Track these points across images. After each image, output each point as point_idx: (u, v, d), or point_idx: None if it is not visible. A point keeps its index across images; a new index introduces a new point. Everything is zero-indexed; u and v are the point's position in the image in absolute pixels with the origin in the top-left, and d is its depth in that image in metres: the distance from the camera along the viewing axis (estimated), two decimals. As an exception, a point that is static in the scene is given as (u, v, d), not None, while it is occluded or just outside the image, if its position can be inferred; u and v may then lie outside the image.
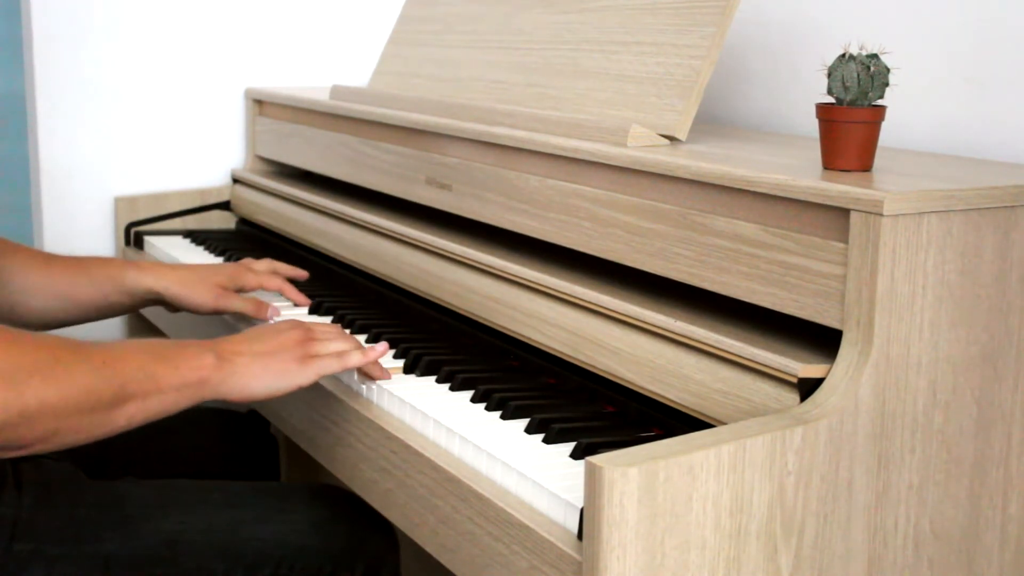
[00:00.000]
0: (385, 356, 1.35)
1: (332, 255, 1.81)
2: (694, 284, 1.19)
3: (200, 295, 1.55)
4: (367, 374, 1.32)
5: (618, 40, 1.48)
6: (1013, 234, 1.08)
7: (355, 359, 1.28)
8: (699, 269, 1.17)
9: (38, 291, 1.49)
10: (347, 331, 1.34)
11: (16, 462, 1.31)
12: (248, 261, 1.65)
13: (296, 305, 1.65)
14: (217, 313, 1.58)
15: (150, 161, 2.17)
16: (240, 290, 1.60)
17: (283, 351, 1.25)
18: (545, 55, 1.59)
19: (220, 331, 1.66)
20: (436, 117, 1.60)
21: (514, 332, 1.38)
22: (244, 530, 1.33)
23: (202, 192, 2.21)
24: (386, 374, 1.32)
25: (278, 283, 1.63)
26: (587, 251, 1.33)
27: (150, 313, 1.99)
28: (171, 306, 1.58)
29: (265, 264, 1.65)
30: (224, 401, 1.23)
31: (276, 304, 1.60)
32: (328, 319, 1.59)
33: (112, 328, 2.13)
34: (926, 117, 1.46)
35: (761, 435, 0.96)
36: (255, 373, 1.22)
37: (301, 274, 1.68)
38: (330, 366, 1.27)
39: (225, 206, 2.20)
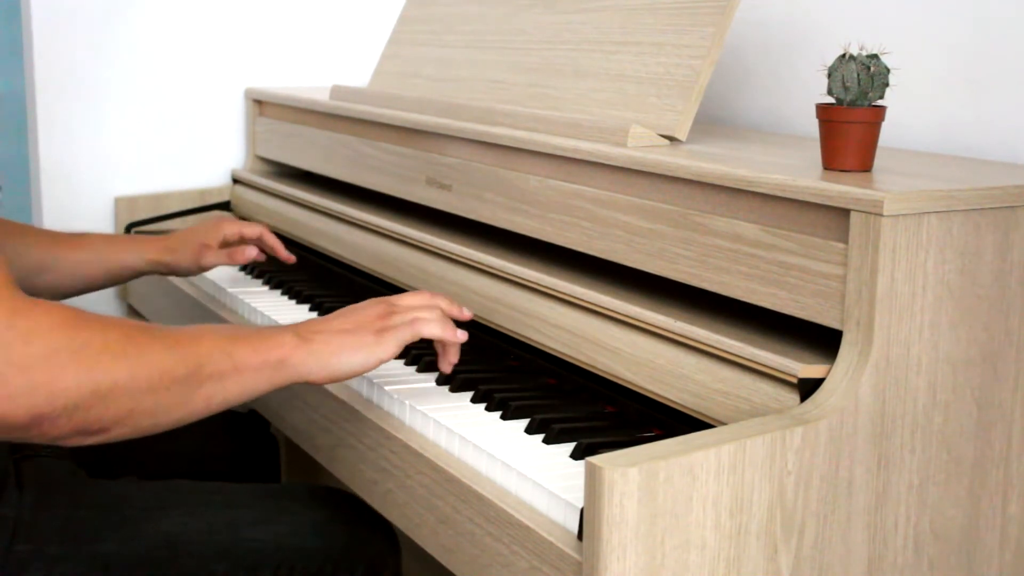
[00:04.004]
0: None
1: (332, 255, 1.81)
2: (694, 284, 1.19)
3: (184, 257, 1.65)
4: (440, 366, 1.30)
5: (618, 40, 1.48)
6: (1013, 234, 1.08)
7: (431, 329, 1.25)
8: (699, 269, 1.17)
9: (48, 269, 1.54)
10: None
11: (17, 462, 1.31)
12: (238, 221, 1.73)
13: (284, 260, 1.75)
14: (203, 271, 1.67)
15: (150, 161, 2.17)
16: (224, 243, 1.69)
17: (362, 327, 1.22)
18: (545, 55, 1.59)
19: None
20: (436, 117, 1.60)
21: (514, 332, 1.38)
22: (244, 531, 1.33)
23: (202, 192, 2.21)
24: (454, 356, 1.29)
25: (258, 230, 1.71)
26: (587, 251, 1.33)
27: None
28: (167, 272, 1.68)
29: (249, 223, 1.73)
30: (307, 383, 1.19)
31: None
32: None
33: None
34: (926, 117, 1.46)
35: (761, 435, 0.96)
36: (334, 351, 1.18)
37: (286, 255, 1.74)
38: (403, 334, 1.23)
39: (225, 206, 2.20)
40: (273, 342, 1.16)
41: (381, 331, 1.22)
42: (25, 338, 0.98)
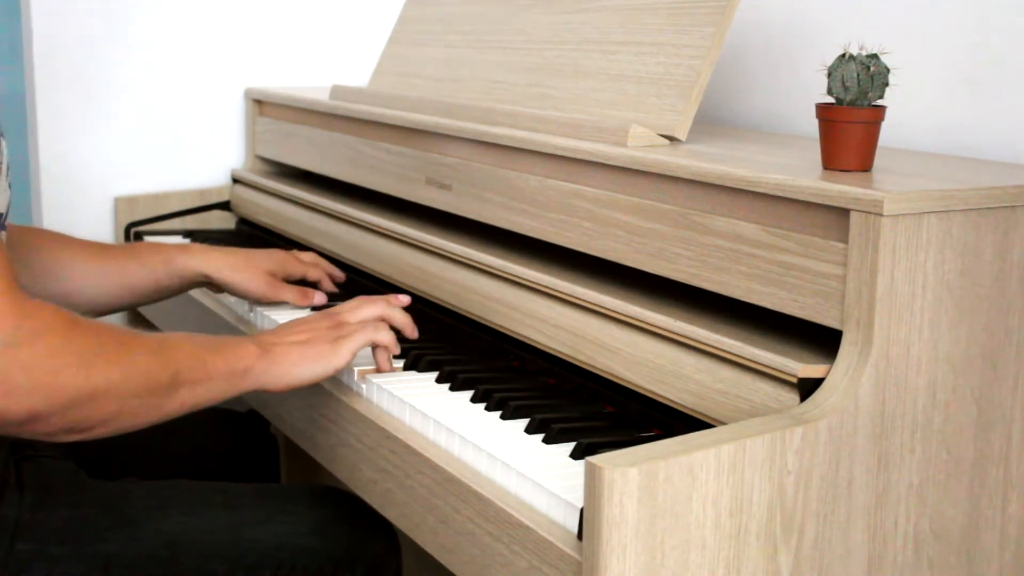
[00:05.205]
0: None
1: (332, 255, 1.81)
2: (694, 284, 1.19)
3: (252, 282, 1.59)
4: (377, 362, 1.35)
5: (618, 40, 1.48)
6: (1013, 234, 1.08)
7: (381, 336, 1.32)
8: (699, 269, 1.17)
9: (93, 279, 1.52)
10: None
11: (18, 462, 1.31)
12: (295, 252, 1.68)
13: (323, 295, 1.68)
14: (266, 300, 1.61)
15: (150, 161, 2.17)
16: (285, 278, 1.64)
17: (316, 339, 1.28)
18: (545, 55, 1.59)
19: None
20: (436, 117, 1.60)
21: (514, 332, 1.38)
22: (245, 531, 1.33)
23: (202, 192, 2.21)
24: (388, 366, 1.36)
25: (319, 273, 1.67)
26: (587, 251, 1.33)
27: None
28: (218, 288, 1.62)
29: (310, 256, 1.69)
30: (265, 391, 1.26)
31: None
32: (328, 319, 1.59)
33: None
34: (926, 117, 1.46)
35: (761, 435, 0.96)
36: (294, 361, 1.26)
37: (339, 275, 1.70)
38: (359, 341, 1.30)
39: (225, 206, 2.20)
40: (239, 352, 1.23)
41: (336, 340, 1.29)
42: (30, 339, 1.02)
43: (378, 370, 1.35)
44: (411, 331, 1.38)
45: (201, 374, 1.18)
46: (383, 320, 1.35)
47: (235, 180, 2.22)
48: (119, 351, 1.10)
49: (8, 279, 1.02)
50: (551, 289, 1.33)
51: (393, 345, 1.34)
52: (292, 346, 1.27)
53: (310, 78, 2.28)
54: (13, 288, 1.02)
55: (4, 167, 1.25)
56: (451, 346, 1.46)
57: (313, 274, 1.66)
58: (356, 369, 1.34)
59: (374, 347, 1.34)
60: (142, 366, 1.12)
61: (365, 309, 1.35)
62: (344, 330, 1.31)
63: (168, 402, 1.15)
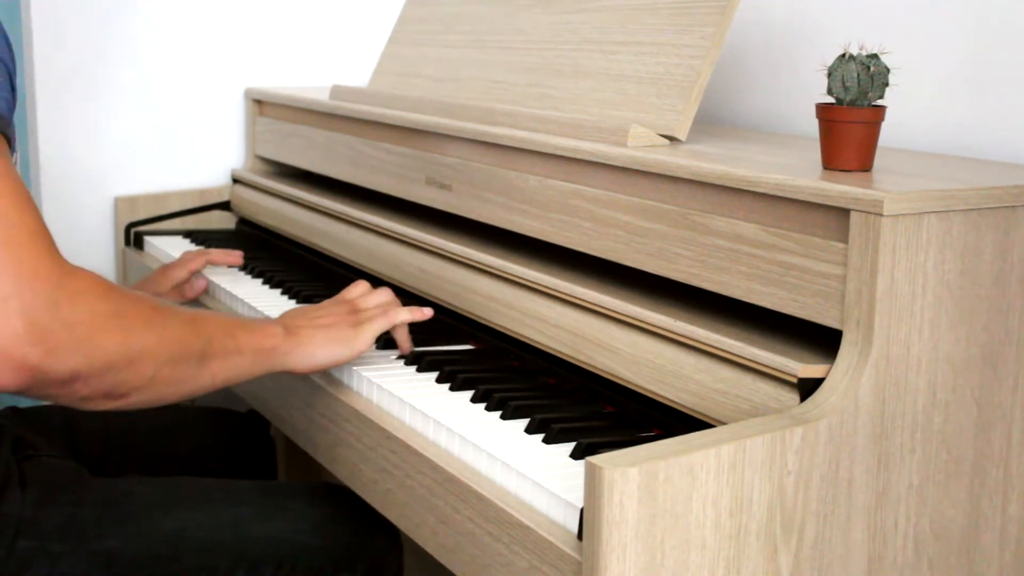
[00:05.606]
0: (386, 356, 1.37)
1: (332, 255, 1.81)
2: (694, 284, 1.19)
3: None
4: (400, 344, 1.41)
5: (618, 40, 1.48)
6: (1013, 234, 1.08)
7: (403, 315, 1.37)
8: (699, 269, 1.17)
9: None
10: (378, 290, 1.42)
11: (20, 462, 1.31)
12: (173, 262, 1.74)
13: (231, 266, 1.80)
14: None
15: (150, 161, 2.17)
16: (177, 285, 1.71)
17: (338, 322, 1.32)
18: (545, 55, 1.59)
19: None
20: (436, 117, 1.60)
21: (514, 332, 1.38)
22: (247, 529, 1.33)
23: (202, 192, 2.21)
24: (409, 344, 1.41)
25: (202, 259, 1.73)
26: (587, 251, 1.33)
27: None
28: None
29: (190, 254, 1.75)
30: (290, 372, 1.29)
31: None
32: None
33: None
34: (926, 117, 1.46)
35: (761, 435, 0.96)
36: (320, 343, 1.29)
37: (231, 260, 1.76)
38: (380, 325, 1.34)
39: (225, 206, 2.20)
40: (267, 331, 1.25)
41: (357, 325, 1.33)
42: (71, 299, 1.03)
43: (401, 349, 1.40)
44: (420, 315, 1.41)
45: (232, 347, 1.20)
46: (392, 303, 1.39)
47: (235, 180, 2.22)
48: (155, 316, 1.12)
49: (49, 241, 1.04)
50: (551, 289, 1.33)
51: (419, 315, 1.39)
52: (317, 329, 1.29)
53: (310, 78, 2.28)
54: (53, 250, 1.04)
55: (16, 162, 1.26)
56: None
57: (196, 263, 1.72)
58: (356, 369, 1.34)
59: (393, 330, 1.39)
60: (176, 333, 1.14)
61: (376, 296, 1.39)
62: (363, 315, 1.34)
63: (202, 373, 1.16)
